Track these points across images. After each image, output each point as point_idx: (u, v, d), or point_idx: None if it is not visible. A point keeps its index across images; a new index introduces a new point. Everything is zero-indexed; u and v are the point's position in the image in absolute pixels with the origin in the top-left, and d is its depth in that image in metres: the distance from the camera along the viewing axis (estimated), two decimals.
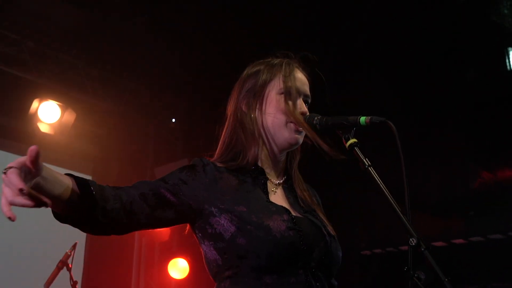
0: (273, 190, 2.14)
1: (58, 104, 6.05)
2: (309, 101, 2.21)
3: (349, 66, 5.80)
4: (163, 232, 6.23)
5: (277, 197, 2.14)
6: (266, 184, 2.13)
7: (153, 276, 6.44)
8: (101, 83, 6.41)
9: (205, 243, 2.00)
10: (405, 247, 6.32)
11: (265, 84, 2.16)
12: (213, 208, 1.97)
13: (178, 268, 6.22)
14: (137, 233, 6.57)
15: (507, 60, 5.70)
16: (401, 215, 1.73)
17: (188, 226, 2.11)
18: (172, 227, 5.76)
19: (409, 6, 5.42)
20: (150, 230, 5.50)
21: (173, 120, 6.93)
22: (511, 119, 5.38)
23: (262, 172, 2.15)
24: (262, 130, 2.15)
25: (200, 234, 2.01)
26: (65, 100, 6.11)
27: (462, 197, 5.61)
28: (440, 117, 5.76)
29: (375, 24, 5.49)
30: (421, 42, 5.62)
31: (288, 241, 1.90)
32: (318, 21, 5.30)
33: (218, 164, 2.11)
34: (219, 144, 2.21)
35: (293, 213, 2.05)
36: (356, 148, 1.91)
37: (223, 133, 2.22)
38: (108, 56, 6.28)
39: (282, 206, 2.05)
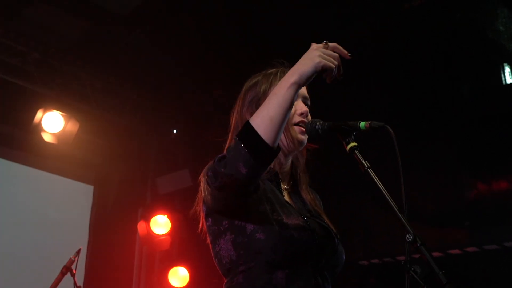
0: (283, 195, 2.27)
1: (61, 114, 6.13)
2: (309, 103, 2.33)
3: (343, 80, 5.89)
4: (164, 241, 6.30)
5: (288, 200, 2.26)
6: (280, 186, 2.26)
7: (154, 284, 6.50)
8: (104, 94, 6.51)
9: (225, 237, 2.08)
10: (403, 257, 6.38)
11: (264, 93, 2.27)
12: (250, 200, 2.06)
13: (179, 276, 6.29)
14: (138, 242, 6.64)
15: (502, 75, 5.81)
16: (398, 213, 1.83)
17: (202, 222, 2.20)
18: (173, 236, 5.81)
19: (405, 21, 5.53)
20: (151, 239, 5.55)
21: (175, 131, 7.03)
22: (506, 132, 5.47)
23: (276, 175, 2.27)
24: None
25: (226, 225, 2.09)
26: (69, 110, 6.20)
27: (458, 208, 5.68)
28: (436, 129, 5.85)
29: (369, 39, 5.59)
30: (417, 57, 5.72)
31: (304, 240, 2.03)
32: (315, 32, 5.40)
33: None
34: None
35: (303, 214, 2.18)
36: (356, 151, 2.02)
37: (228, 141, 2.34)
38: (111, 67, 6.39)
39: (295, 209, 2.20)
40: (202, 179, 2.09)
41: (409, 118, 5.91)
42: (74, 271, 4.48)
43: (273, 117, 1.88)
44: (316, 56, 1.96)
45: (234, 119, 2.35)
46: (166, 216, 6.32)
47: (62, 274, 4.49)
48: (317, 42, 2.04)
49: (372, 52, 5.72)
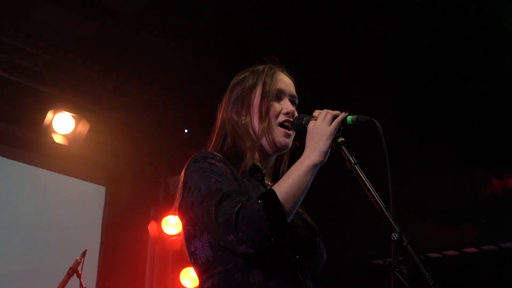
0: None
1: (72, 115, 6.12)
2: (296, 101, 2.27)
3: (360, 75, 5.82)
4: (176, 241, 6.25)
5: None
6: (264, 181, 2.19)
7: (166, 285, 6.47)
8: (114, 94, 6.48)
9: (202, 237, 2.02)
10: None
11: (250, 91, 2.24)
12: None
13: (190, 277, 6.24)
14: (150, 242, 6.61)
15: None
16: (385, 210, 1.76)
17: (180, 219, 2.14)
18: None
19: (419, 13, 5.42)
20: (163, 239, 5.48)
21: (186, 130, 6.98)
22: None
23: (260, 170, 2.20)
24: (253, 135, 2.21)
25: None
26: (79, 111, 6.18)
27: (473, 205, 5.57)
28: (451, 125, 5.74)
29: (381, 34, 5.50)
30: (433, 51, 5.62)
31: (284, 237, 1.93)
32: (324, 24, 5.32)
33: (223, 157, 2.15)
34: (211, 148, 2.26)
35: None
36: (343, 147, 1.95)
37: (214, 139, 2.30)
38: (122, 67, 6.37)
39: None
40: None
41: (424, 115, 5.82)
42: (80, 272, 4.46)
43: (298, 197, 1.90)
44: (324, 127, 1.97)
45: (220, 116, 2.32)
46: (177, 216, 6.26)
47: (69, 275, 4.47)
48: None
49: (385, 48, 5.63)
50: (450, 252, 5.74)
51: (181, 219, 2.13)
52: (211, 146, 2.29)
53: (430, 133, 5.72)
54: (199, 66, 6.30)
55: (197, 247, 2.03)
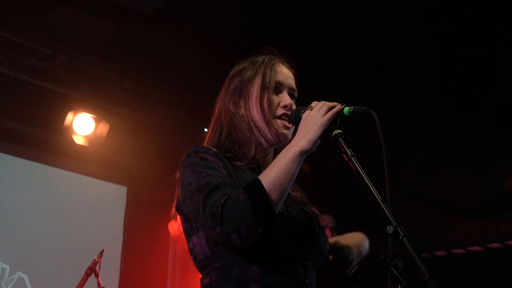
0: None
1: (92, 116, 6.18)
2: (296, 94, 2.23)
3: (380, 69, 5.74)
4: None
5: None
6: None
7: (187, 284, 6.48)
8: (133, 94, 6.50)
9: (198, 233, 2.00)
10: (441, 253, 6.21)
11: (249, 82, 2.19)
12: None
13: None
14: (171, 240, 6.62)
15: None
16: (381, 203, 1.71)
17: (178, 217, 2.12)
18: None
19: (443, 4, 5.33)
20: (183, 238, 5.50)
21: (206, 129, 6.96)
22: None
23: (257, 163, 2.17)
24: (251, 127, 2.17)
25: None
26: (99, 112, 6.25)
27: (496, 199, 5.45)
28: (473, 120, 5.63)
29: (405, 25, 5.41)
30: (455, 42, 5.52)
31: (281, 229, 1.93)
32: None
33: (217, 151, 2.12)
34: (208, 141, 2.23)
35: (287, 202, 2.06)
36: (340, 139, 1.90)
37: (210, 131, 2.28)
38: (140, 67, 6.38)
39: None
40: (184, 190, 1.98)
41: (446, 108, 5.73)
42: (98, 272, 4.49)
43: (285, 185, 1.84)
44: (318, 117, 1.92)
45: (218, 106, 2.29)
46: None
47: (87, 275, 4.52)
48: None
49: (408, 40, 5.54)
50: (474, 248, 5.63)
51: (179, 216, 2.11)
52: (207, 137, 2.26)
53: (452, 128, 5.62)
54: (217, 65, 6.25)
55: (195, 244, 2.02)
